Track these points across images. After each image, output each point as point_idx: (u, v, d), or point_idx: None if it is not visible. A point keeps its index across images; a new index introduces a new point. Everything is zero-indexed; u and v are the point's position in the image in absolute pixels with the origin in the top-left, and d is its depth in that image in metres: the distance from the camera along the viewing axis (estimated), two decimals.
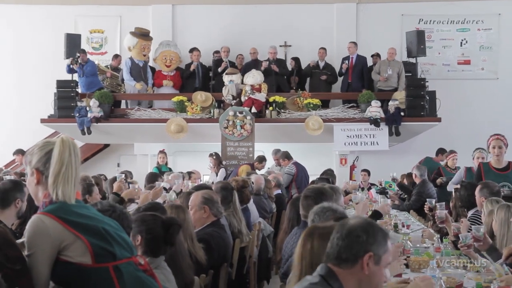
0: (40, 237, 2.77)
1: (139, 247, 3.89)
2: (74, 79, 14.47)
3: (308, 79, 15.34)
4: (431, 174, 11.76)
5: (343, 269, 2.71)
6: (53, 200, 2.88)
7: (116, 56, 15.68)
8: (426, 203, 7.88)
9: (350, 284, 2.70)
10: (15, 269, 2.72)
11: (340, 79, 15.24)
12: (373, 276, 2.71)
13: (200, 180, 12.04)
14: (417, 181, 10.76)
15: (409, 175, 11.76)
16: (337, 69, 15.20)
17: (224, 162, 13.55)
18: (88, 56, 15.04)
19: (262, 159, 13.09)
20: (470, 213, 6.83)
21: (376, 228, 2.76)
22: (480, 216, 6.25)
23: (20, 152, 13.58)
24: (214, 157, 13.23)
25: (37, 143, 3.06)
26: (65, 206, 2.87)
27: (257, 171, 12.28)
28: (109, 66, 15.52)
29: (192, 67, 14.96)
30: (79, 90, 14.60)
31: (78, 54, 14.40)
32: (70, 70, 14.40)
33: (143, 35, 15.21)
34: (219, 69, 14.95)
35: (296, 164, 12.56)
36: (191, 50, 15.18)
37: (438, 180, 11.40)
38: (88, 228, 2.85)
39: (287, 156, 12.88)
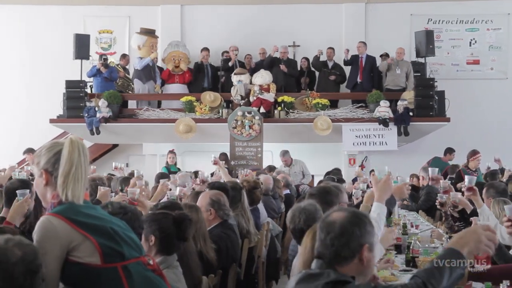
0: (49, 238, 2.78)
1: (153, 247, 3.88)
2: (83, 79, 14.52)
3: (316, 78, 15.31)
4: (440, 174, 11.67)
5: (342, 267, 2.73)
6: (61, 201, 2.90)
7: (124, 56, 15.69)
8: (437, 199, 7.77)
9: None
10: None
11: (347, 77, 15.18)
12: (369, 263, 2.76)
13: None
14: (424, 182, 10.71)
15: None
16: (345, 69, 15.18)
17: (232, 162, 13.56)
18: (97, 56, 15.12)
19: (271, 169, 12.91)
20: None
21: (364, 218, 2.81)
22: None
23: (30, 151, 13.58)
24: (222, 157, 13.24)
25: (44, 144, 3.07)
26: (74, 207, 2.89)
27: None
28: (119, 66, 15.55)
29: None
30: (92, 90, 14.66)
31: (105, 57, 14.50)
32: (96, 72, 14.43)
33: (150, 33, 15.28)
34: (230, 63, 14.93)
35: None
36: (202, 50, 15.20)
37: (459, 185, 9.99)
38: (96, 229, 2.86)
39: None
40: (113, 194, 6.98)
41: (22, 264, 2.50)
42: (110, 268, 2.83)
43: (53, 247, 2.76)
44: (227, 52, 15.53)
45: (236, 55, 15.20)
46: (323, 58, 15.11)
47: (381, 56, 15.19)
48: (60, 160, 2.93)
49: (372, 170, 13.58)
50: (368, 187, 11.83)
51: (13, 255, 2.49)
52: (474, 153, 11.61)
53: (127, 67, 15.58)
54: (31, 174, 11.52)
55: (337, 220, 2.80)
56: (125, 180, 7.87)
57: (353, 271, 2.73)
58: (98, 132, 14.17)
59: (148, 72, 14.80)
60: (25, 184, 5.17)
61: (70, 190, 2.89)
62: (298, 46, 16.26)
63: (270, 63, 14.82)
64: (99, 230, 2.87)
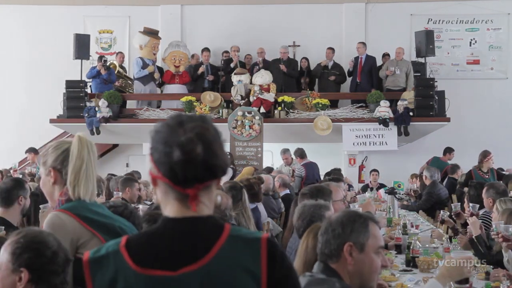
0: (59, 232, 2.74)
1: None
2: (83, 79, 14.51)
3: (317, 79, 15.31)
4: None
5: (333, 264, 2.72)
6: (70, 198, 2.88)
7: (117, 54, 15.64)
8: (439, 215, 7.74)
9: (345, 277, 2.71)
10: None
11: (348, 78, 15.22)
12: (361, 265, 2.71)
13: None
14: (427, 182, 10.71)
15: (420, 176, 11.72)
16: (345, 69, 15.18)
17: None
18: (97, 56, 15.12)
19: (269, 171, 11.84)
20: (480, 212, 6.83)
21: (353, 218, 2.76)
22: (490, 215, 6.23)
23: (32, 150, 13.59)
24: (229, 156, 13.24)
25: (49, 144, 3.05)
26: (82, 204, 2.88)
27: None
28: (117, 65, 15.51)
29: (200, 70, 14.96)
30: (91, 91, 14.67)
31: (105, 59, 14.49)
32: (95, 74, 14.41)
33: (153, 33, 15.25)
34: (232, 65, 14.95)
35: (306, 166, 12.55)
36: (203, 50, 15.20)
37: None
38: (104, 227, 2.86)
39: (300, 154, 12.89)
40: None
41: (63, 252, 2.52)
42: None
43: (64, 242, 2.71)
44: (227, 52, 15.52)
45: (238, 56, 15.23)
46: (322, 58, 15.12)
47: (383, 56, 15.21)
48: (69, 157, 2.90)
49: (374, 170, 13.63)
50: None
51: (52, 243, 2.50)
52: (486, 154, 10.83)
53: (123, 64, 15.56)
54: (32, 174, 11.56)
55: (329, 219, 2.82)
56: (126, 181, 7.86)
57: (343, 271, 2.70)
58: (98, 132, 14.16)
59: (148, 74, 14.79)
60: (19, 182, 5.16)
61: (82, 186, 2.88)
62: (298, 46, 16.25)
63: (270, 65, 14.81)
64: (107, 228, 2.86)
